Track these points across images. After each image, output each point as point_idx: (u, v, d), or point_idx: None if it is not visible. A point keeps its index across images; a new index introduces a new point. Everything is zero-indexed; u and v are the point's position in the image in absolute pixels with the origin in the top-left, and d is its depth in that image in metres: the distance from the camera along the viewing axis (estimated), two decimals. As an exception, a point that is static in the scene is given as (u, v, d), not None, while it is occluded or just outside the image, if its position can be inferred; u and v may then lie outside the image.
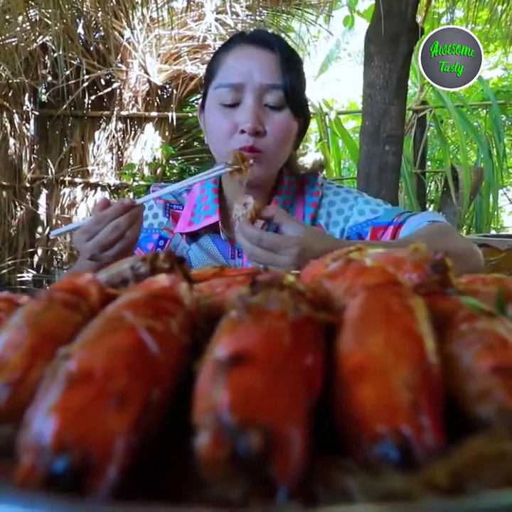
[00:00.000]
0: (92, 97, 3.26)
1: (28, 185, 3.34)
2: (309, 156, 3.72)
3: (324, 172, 3.51)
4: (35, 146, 3.38)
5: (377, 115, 2.11)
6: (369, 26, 2.01)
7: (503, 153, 3.50)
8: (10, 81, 2.98)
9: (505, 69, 5.03)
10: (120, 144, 3.40)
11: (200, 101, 0.93)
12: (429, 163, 4.08)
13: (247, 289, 0.24)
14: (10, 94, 3.12)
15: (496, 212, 3.50)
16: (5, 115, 3.14)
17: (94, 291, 0.27)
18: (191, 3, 2.96)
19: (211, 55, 3.15)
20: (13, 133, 3.19)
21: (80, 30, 3.01)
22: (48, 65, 3.06)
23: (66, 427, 0.16)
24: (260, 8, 2.92)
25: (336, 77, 6.08)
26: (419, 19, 2.25)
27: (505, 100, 3.83)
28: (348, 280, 0.26)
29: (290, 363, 0.19)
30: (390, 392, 0.18)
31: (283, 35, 3.21)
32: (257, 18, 3.09)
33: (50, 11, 2.64)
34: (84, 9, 2.86)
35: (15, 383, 0.20)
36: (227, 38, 3.26)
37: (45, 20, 2.81)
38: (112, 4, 2.79)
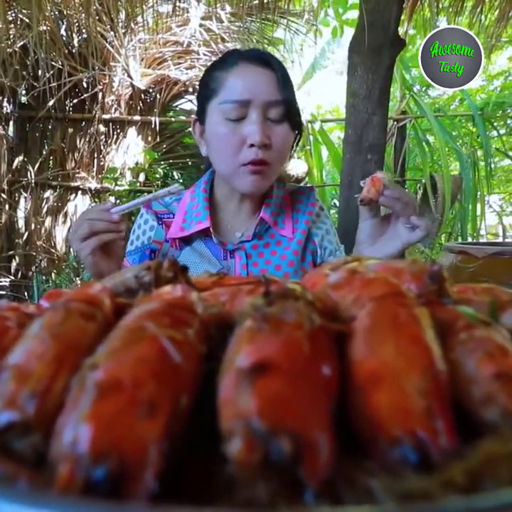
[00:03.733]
0: (74, 100, 3.22)
1: (6, 188, 3.27)
2: (292, 163, 3.76)
3: (306, 179, 3.55)
4: (14, 149, 3.31)
5: (360, 124, 2.15)
6: (352, 37, 2.06)
7: (488, 163, 3.61)
8: (-11, 82, 2.92)
9: (485, 80, 5.19)
10: (102, 147, 3.36)
11: (194, 115, 0.97)
12: (412, 171, 4.18)
13: (261, 299, 0.25)
14: (-11, 95, 3.06)
15: (482, 220, 3.60)
16: (-17, 116, 3.08)
17: (107, 301, 0.28)
18: (176, 8, 2.97)
19: (195, 61, 3.13)
20: (-9, 134, 3.13)
21: (63, 32, 2.98)
22: (29, 66, 3.01)
23: (101, 436, 0.17)
24: (245, 16, 2.94)
25: (322, 84, 6.19)
26: (401, 31, 2.31)
27: (484, 112, 3.95)
28: (355, 291, 0.27)
29: (311, 370, 0.20)
30: (404, 397, 0.19)
31: (267, 42, 3.25)
32: (242, 25, 3.12)
33: (31, 11, 2.60)
34: (67, 11, 2.84)
35: (42, 393, 0.20)
36: (212, 43, 3.25)
37: (27, 20, 2.77)
38: (95, 7, 2.77)
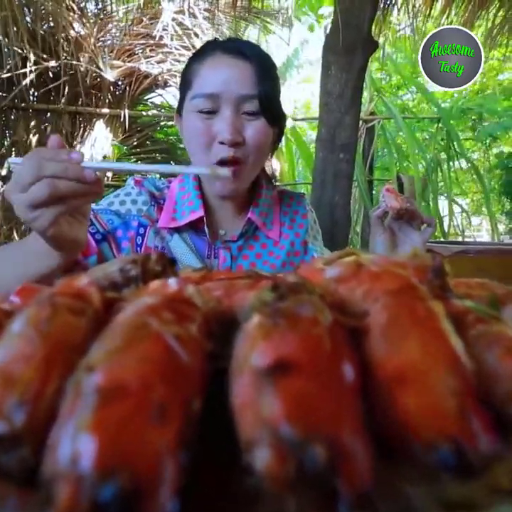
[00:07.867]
0: (40, 90, 3.09)
1: (-36, 180, 3.10)
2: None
3: (278, 177, 3.55)
4: (-27, 139, 3.15)
5: (333, 123, 2.17)
6: (327, 36, 2.06)
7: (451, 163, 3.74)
8: None
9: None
10: (68, 140, 3.24)
11: (176, 107, 0.91)
12: (379, 171, 4.26)
13: (270, 293, 0.23)
14: None
15: (452, 220, 3.73)
16: None
17: (96, 295, 0.25)
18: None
19: (167, 55, 3.07)
20: None
21: (28, 19, 2.85)
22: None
23: (107, 448, 0.15)
24: (218, 13, 2.90)
25: (297, 81, 6.27)
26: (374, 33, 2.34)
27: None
28: (364, 285, 0.26)
29: (336, 369, 0.18)
30: (435, 397, 0.18)
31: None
32: (215, 22, 3.08)
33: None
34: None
35: (31, 400, 0.18)
36: (184, 38, 3.19)
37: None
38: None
